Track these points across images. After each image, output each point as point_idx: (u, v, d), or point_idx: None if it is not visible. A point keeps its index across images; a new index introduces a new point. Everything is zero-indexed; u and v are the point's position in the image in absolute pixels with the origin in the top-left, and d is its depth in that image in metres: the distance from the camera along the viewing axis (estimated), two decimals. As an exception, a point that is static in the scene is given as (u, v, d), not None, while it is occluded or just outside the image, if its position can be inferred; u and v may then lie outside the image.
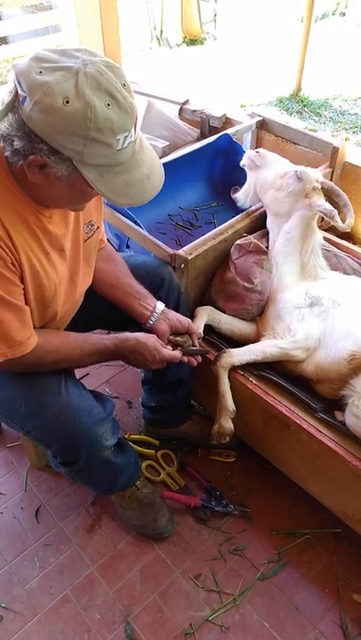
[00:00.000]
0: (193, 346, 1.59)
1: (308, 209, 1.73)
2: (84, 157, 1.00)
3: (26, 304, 1.25)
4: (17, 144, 1.00)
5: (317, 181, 1.74)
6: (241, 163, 1.92)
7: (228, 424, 1.65)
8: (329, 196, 1.80)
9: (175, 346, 1.56)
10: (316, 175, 1.76)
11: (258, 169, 1.87)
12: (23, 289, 1.22)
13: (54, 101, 0.95)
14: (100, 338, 1.41)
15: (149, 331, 1.52)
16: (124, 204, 1.12)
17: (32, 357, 1.27)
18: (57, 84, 0.95)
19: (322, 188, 1.76)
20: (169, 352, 1.49)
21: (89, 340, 1.39)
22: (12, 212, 1.14)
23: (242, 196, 1.95)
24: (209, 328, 1.79)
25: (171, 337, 1.56)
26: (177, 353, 1.51)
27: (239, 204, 1.97)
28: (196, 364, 1.58)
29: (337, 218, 1.67)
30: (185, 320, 1.59)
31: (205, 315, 1.77)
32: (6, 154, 1.04)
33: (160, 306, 1.56)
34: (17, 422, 1.41)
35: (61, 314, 1.39)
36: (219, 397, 1.66)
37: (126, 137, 1.02)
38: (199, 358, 1.60)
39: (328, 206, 1.68)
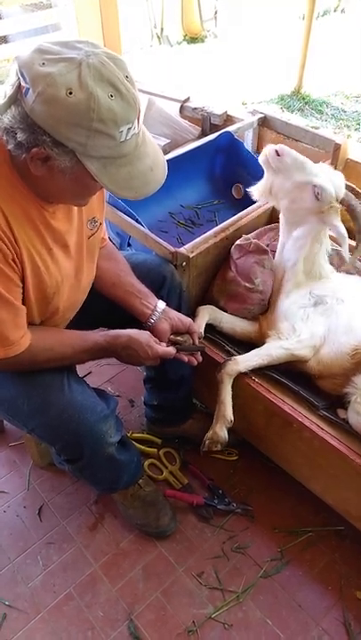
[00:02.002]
0: (193, 345, 1.59)
1: (320, 223, 1.67)
2: (87, 149, 1.00)
3: (25, 301, 1.24)
4: (20, 136, 1.00)
5: (337, 200, 1.64)
6: (259, 158, 1.75)
7: (223, 433, 1.63)
8: (346, 213, 1.72)
9: (175, 344, 1.56)
10: (338, 191, 1.65)
11: (276, 171, 1.69)
12: (23, 287, 1.22)
13: (57, 92, 0.94)
14: (92, 335, 1.40)
15: (150, 330, 1.52)
16: (127, 196, 1.10)
17: (25, 356, 1.26)
18: (60, 75, 0.94)
19: (341, 202, 1.66)
20: (163, 348, 1.47)
21: (82, 338, 1.39)
22: (15, 205, 1.14)
23: (257, 191, 1.81)
24: (211, 327, 1.79)
25: (171, 336, 1.56)
26: (171, 349, 1.50)
27: (254, 199, 1.88)
28: (195, 363, 1.58)
29: (346, 246, 1.61)
30: (186, 319, 1.59)
31: (207, 314, 1.77)
32: (9, 147, 1.03)
33: (161, 305, 1.56)
34: (20, 420, 1.42)
35: (64, 310, 1.39)
36: (218, 404, 1.64)
37: (129, 129, 1.02)
38: (200, 358, 1.59)
39: (341, 229, 1.60)
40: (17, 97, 0.98)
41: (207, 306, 1.80)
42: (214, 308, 1.80)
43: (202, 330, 1.71)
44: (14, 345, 1.23)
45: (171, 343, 1.55)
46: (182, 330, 1.57)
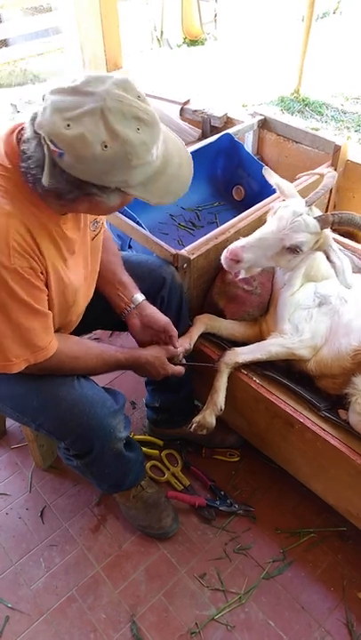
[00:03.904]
0: (186, 352, 1.64)
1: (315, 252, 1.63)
2: (129, 182, 1.07)
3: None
4: (69, 196, 1.07)
5: (322, 227, 1.55)
6: (226, 267, 1.58)
7: (212, 419, 1.66)
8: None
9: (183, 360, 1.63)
10: (317, 225, 1.55)
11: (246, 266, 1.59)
12: (47, 295, 1.26)
13: (94, 150, 0.99)
14: (114, 350, 1.47)
15: (126, 321, 1.56)
16: (169, 201, 1.17)
17: (53, 362, 1.30)
18: (90, 132, 0.98)
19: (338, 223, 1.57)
20: (173, 368, 1.55)
21: (105, 351, 1.44)
22: (37, 222, 1.17)
23: (245, 276, 1.68)
24: (210, 334, 1.79)
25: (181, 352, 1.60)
26: (180, 368, 1.58)
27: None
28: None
29: (342, 275, 1.53)
30: (161, 320, 1.56)
31: (203, 325, 1.76)
32: (53, 202, 1.12)
33: (137, 299, 1.55)
34: (28, 416, 1.42)
35: (77, 315, 1.43)
36: (212, 392, 1.66)
37: (157, 146, 1.08)
38: (181, 370, 1.61)
39: (336, 259, 1.54)
40: (53, 160, 1.01)
41: (204, 315, 1.79)
42: (212, 316, 1.79)
43: (192, 342, 1.69)
44: (43, 350, 1.26)
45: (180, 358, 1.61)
46: (156, 329, 1.56)
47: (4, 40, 5.43)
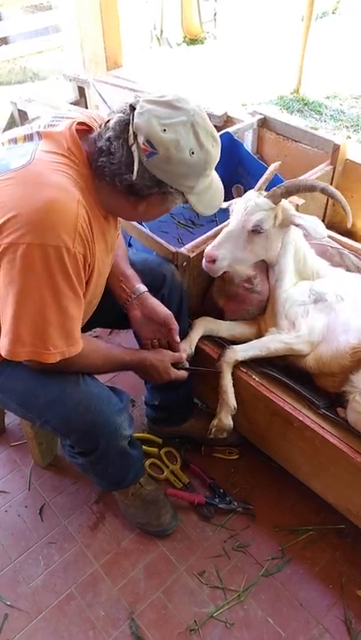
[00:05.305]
0: (189, 357, 1.65)
1: (285, 229, 1.70)
2: (193, 189, 1.22)
3: None
4: (145, 192, 1.19)
5: (275, 202, 1.65)
6: (208, 271, 1.68)
7: (228, 420, 1.66)
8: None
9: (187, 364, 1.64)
10: (268, 202, 1.65)
11: (225, 265, 1.69)
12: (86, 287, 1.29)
13: (183, 155, 1.14)
14: (120, 351, 1.48)
15: (128, 313, 1.57)
16: (208, 213, 1.31)
17: (75, 358, 1.29)
18: (183, 139, 1.13)
19: (282, 196, 1.66)
20: (176, 372, 1.56)
21: (112, 351, 1.46)
22: (95, 217, 1.23)
23: (242, 274, 1.78)
24: (209, 337, 1.79)
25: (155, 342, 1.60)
26: (183, 372, 1.59)
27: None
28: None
29: (315, 230, 1.61)
30: (163, 312, 1.56)
31: (202, 328, 1.76)
32: (129, 198, 1.21)
33: (139, 290, 1.55)
34: (34, 413, 1.42)
35: (90, 312, 1.45)
36: (221, 393, 1.66)
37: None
38: (184, 375, 1.61)
39: (302, 221, 1.63)
40: (140, 159, 1.13)
41: (202, 318, 1.79)
42: (210, 319, 1.79)
43: (193, 346, 1.70)
44: (76, 344, 1.26)
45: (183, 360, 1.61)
46: (158, 322, 1.56)
47: (4, 38, 5.43)
